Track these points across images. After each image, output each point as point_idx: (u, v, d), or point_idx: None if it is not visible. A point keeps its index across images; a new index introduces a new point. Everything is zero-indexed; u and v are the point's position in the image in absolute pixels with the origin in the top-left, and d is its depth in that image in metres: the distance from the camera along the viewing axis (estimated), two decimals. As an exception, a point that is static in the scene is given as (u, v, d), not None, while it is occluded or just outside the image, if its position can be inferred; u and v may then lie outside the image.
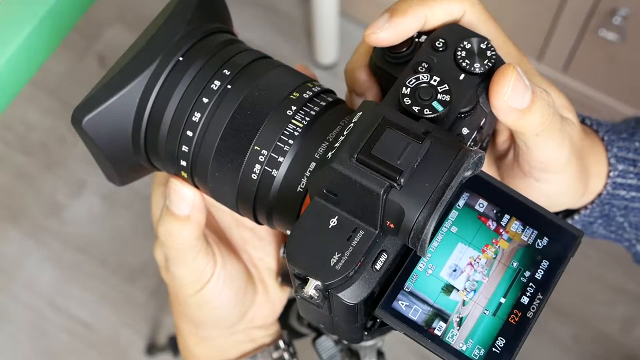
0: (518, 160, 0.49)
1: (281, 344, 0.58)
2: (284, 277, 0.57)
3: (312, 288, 0.41)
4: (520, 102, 0.43)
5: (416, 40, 0.46)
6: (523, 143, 0.47)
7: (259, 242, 0.56)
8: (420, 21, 0.45)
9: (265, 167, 0.45)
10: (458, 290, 0.43)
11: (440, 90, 0.43)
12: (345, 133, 0.41)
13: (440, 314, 0.42)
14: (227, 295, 0.54)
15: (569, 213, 0.57)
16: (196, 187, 0.49)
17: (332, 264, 0.40)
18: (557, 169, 0.48)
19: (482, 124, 0.45)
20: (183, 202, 0.49)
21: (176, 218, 0.50)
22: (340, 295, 0.41)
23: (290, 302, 0.70)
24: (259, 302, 0.57)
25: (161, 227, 0.51)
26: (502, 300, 0.42)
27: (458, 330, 0.42)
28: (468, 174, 0.41)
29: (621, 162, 0.56)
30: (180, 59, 0.47)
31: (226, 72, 0.47)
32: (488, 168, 0.53)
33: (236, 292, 0.54)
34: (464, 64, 0.44)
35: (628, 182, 0.56)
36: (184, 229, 0.50)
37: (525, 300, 0.42)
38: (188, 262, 0.52)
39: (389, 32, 0.45)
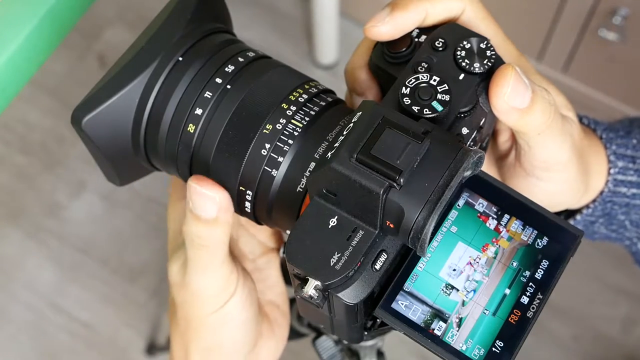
0: (520, 159, 0.49)
1: None
2: (285, 277, 0.57)
3: (311, 288, 0.41)
4: (520, 102, 0.43)
5: (416, 40, 0.46)
6: (525, 142, 0.47)
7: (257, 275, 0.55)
8: (421, 16, 0.45)
9: (265, 167, 0.45)
10: (458, 290, 0.43)
11: (439, 90, 0.43)
12: (345, 133, 0.41)
13: (439, 314, 0.42)
14: (247, 314, 0.50)
15: (570, 213, 0.57)
16: None
17: (331, 264, 0.40)
18: (559, 167, 0.48)
19: (481, 123, 0.45)
20: (208, 203, 0.45)
21: (203, 222, 0.46)
22: (340, 295, 0.41)
23: (290, 302, 0.70)
24: (265, 333, 0.54)
25: (186, 228, 0.47)
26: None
27: (458, 330, 0.42)
28: (468, 173, 0.41)
29: (620, 159, 0.56)
30: (180, 59, 0.47)
31: (226, 71, 0.47)
32: (489, 168, 0.53)
33: (254, 313, 0.51)
34: (463, 64, 0.44)
35: (628, 179, 0.56)
36: (214, 231, 0.46)
37: (525, 300, 0.42)
38: (215, 267, 0.48)
39: (390, 26, 0.45)
